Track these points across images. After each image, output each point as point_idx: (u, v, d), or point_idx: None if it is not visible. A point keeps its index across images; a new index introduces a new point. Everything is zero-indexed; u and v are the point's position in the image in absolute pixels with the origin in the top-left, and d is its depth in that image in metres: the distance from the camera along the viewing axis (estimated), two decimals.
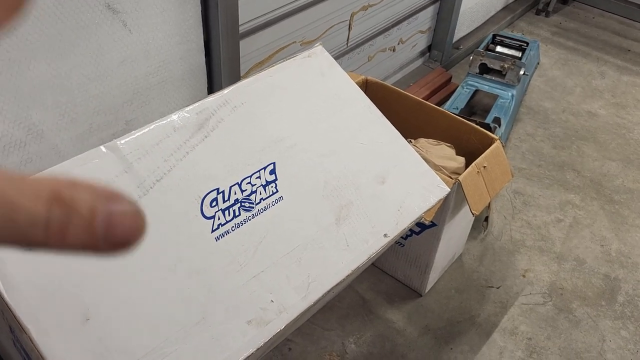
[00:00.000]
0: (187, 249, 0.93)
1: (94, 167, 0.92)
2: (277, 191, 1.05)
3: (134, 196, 0.92)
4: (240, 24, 1.53)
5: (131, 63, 1.34)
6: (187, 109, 1.05)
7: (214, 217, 0.97)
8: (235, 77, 1.59)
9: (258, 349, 0.89)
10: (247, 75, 1.71)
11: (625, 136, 2.48)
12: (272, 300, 0.95)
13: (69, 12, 1.17)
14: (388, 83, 1.76)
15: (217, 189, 1.00)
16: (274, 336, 0.92)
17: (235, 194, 1.01)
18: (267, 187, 1.05)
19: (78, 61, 1.23)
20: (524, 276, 1.83)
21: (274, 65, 1.21)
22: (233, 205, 1.00)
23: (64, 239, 0.23)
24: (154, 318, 0.86)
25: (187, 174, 0.98)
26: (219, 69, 1.53)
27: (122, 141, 0.95)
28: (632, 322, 1.71)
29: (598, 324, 1.70)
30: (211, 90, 1.58)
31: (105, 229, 0.24)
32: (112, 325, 0.83)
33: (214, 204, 0.98)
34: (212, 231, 0.96)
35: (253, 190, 1.03)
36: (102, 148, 0.93)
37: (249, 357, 0.88)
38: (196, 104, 1.07)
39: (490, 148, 1.48)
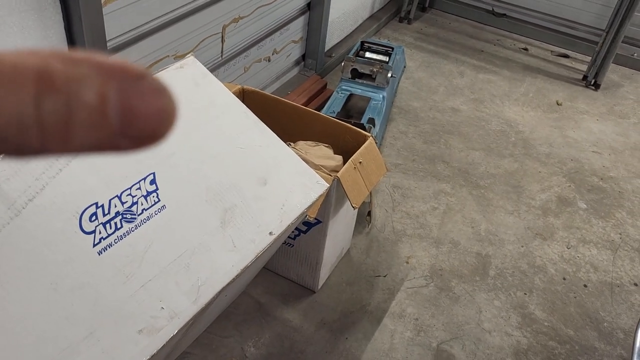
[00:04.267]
0: (67, 267, 0.91)
1: None
2: (159, 200, 1.06)
3: (4, 219, 0.89)
4: (108, 39, 1.50)
5: None
6: None
7: (94, 231, 0.96)
8: None
9: (152, 356, 0.89)
10: None
11: (485, 127, 2.73)
12: (162, 307, 0.96)
13: None
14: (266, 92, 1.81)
15: (96, 204, 0.98)
16: (167, 342, 0.93)
17: (115, 206, 1.00)
18: (148, 198, 1.05)
19: None
20: (407, 262, 1.96)
21: None
22: (114, 218, 0.99)
23: (66, 140, 0.17)
24: (36, 340, 0.83)
25: (63, 190, 0.96)
26: None
27: None
28: (502, 292, 1.90)
29: (474, 297, 1.86)
30: None
31: (123, 120, 0.17)
32: None
33: (93, 218, 0.97)
34: (94, 245, 0.95)
35: (134, 201, 1.03)
36: None
37: None
38: None
39: (364, 144, 1.58)
